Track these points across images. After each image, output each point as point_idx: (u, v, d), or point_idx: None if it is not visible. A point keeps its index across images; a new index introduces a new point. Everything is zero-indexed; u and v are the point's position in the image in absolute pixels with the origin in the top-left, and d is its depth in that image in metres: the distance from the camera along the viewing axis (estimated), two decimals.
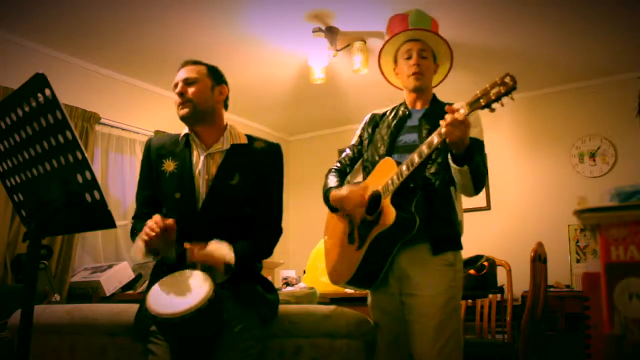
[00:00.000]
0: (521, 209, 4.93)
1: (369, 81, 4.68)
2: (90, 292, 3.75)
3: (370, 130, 2.13)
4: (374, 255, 1.88)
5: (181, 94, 1.81)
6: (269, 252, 1.90)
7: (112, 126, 4.45)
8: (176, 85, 1.84)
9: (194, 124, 1.85)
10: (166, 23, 3.74)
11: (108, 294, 3.68)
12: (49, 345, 2.06)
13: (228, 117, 1.96)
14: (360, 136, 2.17)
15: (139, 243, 1.65)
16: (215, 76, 1.89)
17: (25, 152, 1.34)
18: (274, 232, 1.91)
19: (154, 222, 1.62)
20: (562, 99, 4.98)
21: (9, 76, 3.61)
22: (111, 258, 4.31)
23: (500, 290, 3.49)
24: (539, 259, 2.90)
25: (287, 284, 3.53)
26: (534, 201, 4.91)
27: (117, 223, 1.99)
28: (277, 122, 5.92)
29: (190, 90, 1.81)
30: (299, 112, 5.69)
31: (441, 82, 2.19)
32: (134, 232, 1.81)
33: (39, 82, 1.21)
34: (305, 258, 3.75)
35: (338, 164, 2.18)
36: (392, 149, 1.99)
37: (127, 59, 4.30)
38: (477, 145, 1.87)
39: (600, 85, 4.79)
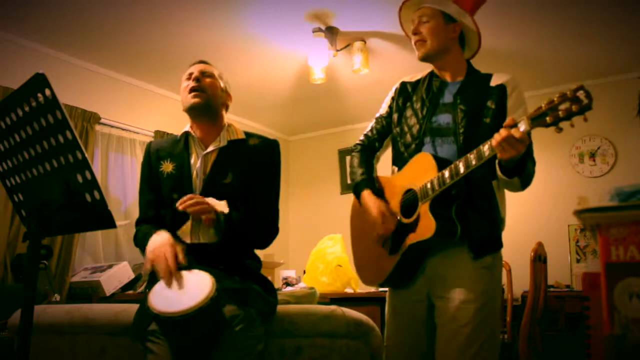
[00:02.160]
0: (521, 209, 4.93)
1: (369, 81, 4.68)
2: (90, 292, 3.75)
3: (401, 102, 1.89)
4: (408, 261, 1.73)
5: (197, 80, 1.85)
6: (262, 242, 1.87)
7: (112, 126, 4.45)
8: (190, 75, 1.88)
9: (201, 115, 1.87)
10: (166, 23, 3.74)
11: (108, 294, 3.68)
12: (49, 345, 2.06)
13: (228, 116, 1.98)
14: (390, 107, 1.93)
15: (148, 266, 1.67)
16: (224, 82, 1.96)
17: (25, 152, 1.34)
18: (269, 226, 1.88)
19: (168, 265, 1.61)
20: None
21: (9, 76, 3.61)
22: (111, 258, 4.30)
23: (501, 291, 3.48)
24: (539, 259, 2.90)
25: (287, 284, 3.53)
26: (534, 201, 4.90)
27: (117, 223, 2.00)
28: (277, 122, 5.92)
29: (206, 81, 1.86)
30: (299, 112, 5.69)
31: (479, 48, 1.86)
32: (139, 238, 1.82)
33: (39, 82, 1.21)
34: (305, 258, 3.75)
35: (364, 138, 1.97)
36: (427, 131, 1.77)
37: (127, 59, 4.30)
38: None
39: (600, 85, 4.78)
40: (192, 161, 1.85)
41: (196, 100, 1.83)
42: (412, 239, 1.68)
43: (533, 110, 1.43)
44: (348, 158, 2.04)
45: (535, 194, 4.93)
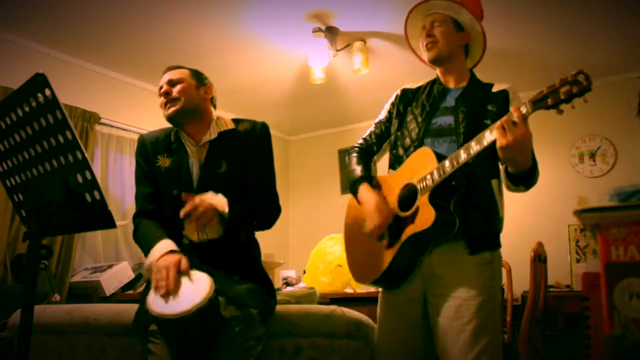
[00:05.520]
0: (521, 209, 4.93)
1: (369, 81, 4.69)
2: (90, 292, 3.75)
3: (401, 107, 1.90)
4: (406, 255, 1.69)
5: (166, 94, 1.84)
6: (266, 220, 1.88)
7: (112, 126, 4.45)
8: (161, 88, 1.87)
9: (182, 122, 1.86)
10: (166, 23, 3.74)
11: (108, 294, 3.68)
12: (49, 345, 2.06)
13: (226, 115, 1.97)
14: (390, 112, 1.94)
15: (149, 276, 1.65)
16: (199, 78, 1.92)
17: (25, 152, 1.34)
18: (271, 206, 1.90)
19: (168, 277, 1.58)
20: None
21: (9, 76, 3.61)
22: (111, 258, 4.31)
23: (500, 290, 3.49)
24: (539, 259, 2.89)
25: (287, 284, 3.53)
26: (534, 201, 4.90)
27: (117, 223, 1.99)
28: (277, 122, 5.92)
29: (175, 89, 1.84)
30: (299, 112, 5.69)
31: (482, 56, 1.92)
32: (140, 236, 1.81)
33: (39, 82, 1.21)
34: (305, 258, 3.75)
35: (362, 142, 1.98)
36: (426, 132, 1.79)
37: (127, 59, 4.30)
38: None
39: (600, 85, 4.77)
40: (188, 156, 1.85)
41: (170, 111, 1.83)
42: (410, 230, 1.65)
43: (535, 94, 1.45)
44: (346, 158, 2.00)
45: (535, 194, 4.89)
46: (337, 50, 3.98)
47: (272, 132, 1.97)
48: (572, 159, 4.87)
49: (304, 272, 3.73)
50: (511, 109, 1.47)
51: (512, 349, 2.87)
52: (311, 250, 3.70)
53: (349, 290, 3.38)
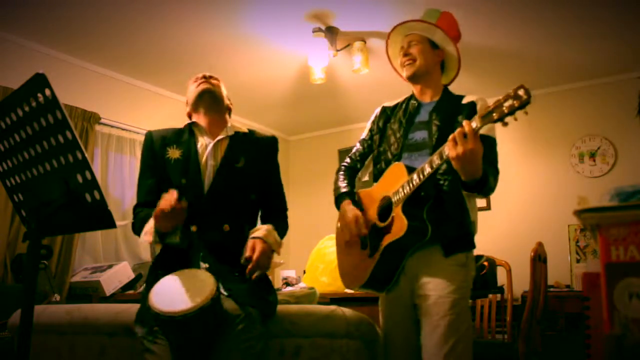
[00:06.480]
0: (521, 209, 4.93)
1: (369, 81, 4.69)
2: (90, 292, 3.75)
3: (381, 124, 2.08)
4: (386, 261, 1.86)
5: (205, 77, 1.98)
6: (284, 234, 1.99)
7: (112, 126, 4.45)
8: (197, 78, 1.99)
9: (209, 104, 1.95)
10: (166, 23, 3.74)
11: (108, 294, 3.68)
12: (49, 345, 2.06)
13: (227, 117, 2.01)
14: (371, 130, 2.12)
15: (150, 221, 1.71)
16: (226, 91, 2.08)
17: (25, 152, 1.34)
18: (286, 218, 2.04)
19: (170, 196, 1.65)
20: (562, 99, 4.98)
21: (9, 76, 3.61)
22: (111, 258, 4.31)
23: (500, 290, 3.49)
24: (539, 259, 2.90)
25: (287, 284, 3.53)
26: (534, 201, 4.91)
27: (117, 223, 1.99)
28: (277, 122, 5.92)
29: (214, 80, 1.99)
30: (299, 112, 5.69)
31: (457, 74, 2.10)
32: (139, 220, 1.82)
33: (39, 82, 1.22)
34: (305, 258, 3.75)
35: (348, 160, 2.17)
36: (404, 147, 1.95)
37: (127, 59, 4.30)
38: (489, 144, 1.77)
39: (600, 85, 4.79)
40: (199, 148, 1.89)
41: (206, 86, 1.94)
42: (388, 239, 1.83)
43: (483, 110, 1.59)
44: (334, 177, 2.19)
45: (535, 194, 4.94)
46: (337, 50, 3.98)
47: (272, 132, 2.04)
48: (572, 159, 4.87)
49: (304, 272, 3.73)
50: (463, 122, 1.60)
51: (512, 349, 2.87)
52: (311, 250, 3.70)
53: (349, 290, 3.38)
